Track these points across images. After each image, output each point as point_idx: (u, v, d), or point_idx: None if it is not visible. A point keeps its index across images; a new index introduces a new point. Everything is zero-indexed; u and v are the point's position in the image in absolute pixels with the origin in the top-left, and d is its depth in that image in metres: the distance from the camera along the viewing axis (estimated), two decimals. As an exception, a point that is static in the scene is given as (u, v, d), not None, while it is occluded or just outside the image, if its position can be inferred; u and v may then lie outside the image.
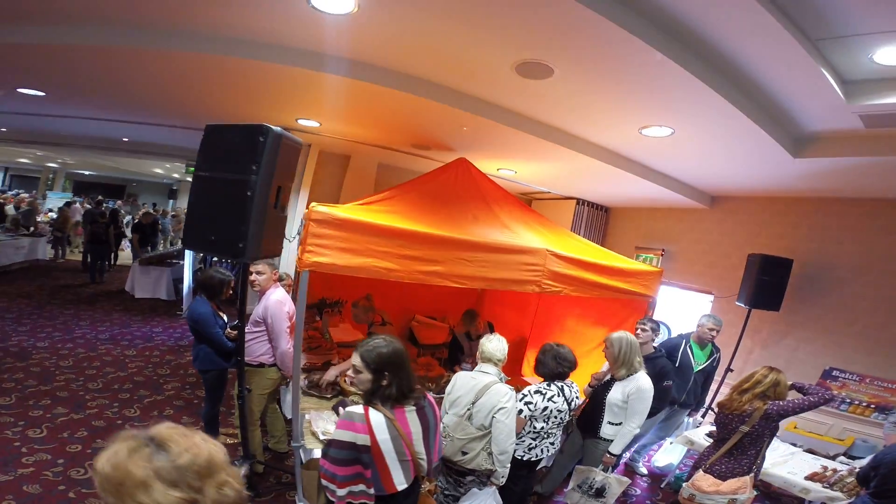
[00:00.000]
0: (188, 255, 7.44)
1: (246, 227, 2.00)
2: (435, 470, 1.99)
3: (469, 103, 3.02)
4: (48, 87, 3.96)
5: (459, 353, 4.53)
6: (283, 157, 2.07)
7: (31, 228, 9.01)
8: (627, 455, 4.14)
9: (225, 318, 3.35)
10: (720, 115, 2.70)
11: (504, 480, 2.27)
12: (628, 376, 2.69)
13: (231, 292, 3.38)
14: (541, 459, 2.62)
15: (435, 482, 2.12)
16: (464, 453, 2.24)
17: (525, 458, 2.53)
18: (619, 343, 2.72)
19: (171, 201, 19.46)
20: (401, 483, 1.65)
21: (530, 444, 2.53)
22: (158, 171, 11.94)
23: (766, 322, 4.77)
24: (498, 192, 4.06)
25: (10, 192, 12.15)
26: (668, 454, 4.11)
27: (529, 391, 2.52)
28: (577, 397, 2.64)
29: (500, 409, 2.18)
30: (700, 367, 3.67)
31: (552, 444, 2.62)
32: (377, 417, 1.61)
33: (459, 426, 2.27)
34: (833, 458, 3.54)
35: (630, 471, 3.95)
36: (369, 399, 1.64)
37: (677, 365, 3.57)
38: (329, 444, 1.61)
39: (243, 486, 0.92)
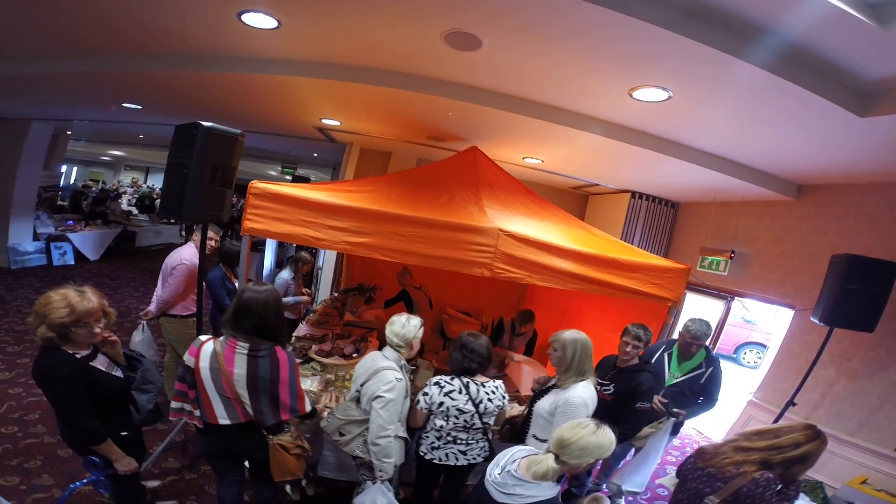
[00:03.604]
0: (269, 242, 8.75)
1: (183, 195, 2.49)
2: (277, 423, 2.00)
3: (413, 82, 3.07)
4: (143, 102, 5.15)
5: (498, 339, 4.55)
6: (214, 144, 2.51)
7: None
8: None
9: (236, 283, 3.95)
10: (719, 66, 2.27)
11: (385, 476, 2.09)
12: (573, 385, 2.28)
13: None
14: (460, 467, 2.32)
15: (297, 438, 2.15)
16: (341, 434, 2.20)
17: (427, 458, 2.30)
18: (574, 346, 2.29)
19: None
20: (223, 418, 1.85)
21: (433, 442, 2.29)
22: (272, 172, 14.11)
23: (860, 347, 3.74)
24: (500, 178, 3.97)
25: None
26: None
27: (430, 381, 2.27)
28: (489, 399, 2.25)
29: (377, 397, 2.06)
30: (675, 381, 3.00)
31: (462, 452, 2.29)
32: (208, 347, 1.88)
33: (343, 406, 2.27)
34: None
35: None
36: (219, 331, 1.92)
37: None
38: None
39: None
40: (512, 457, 1.70)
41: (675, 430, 3.17)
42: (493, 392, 2.29)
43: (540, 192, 6.41)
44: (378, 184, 3.46)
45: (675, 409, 2.80)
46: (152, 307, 3.58)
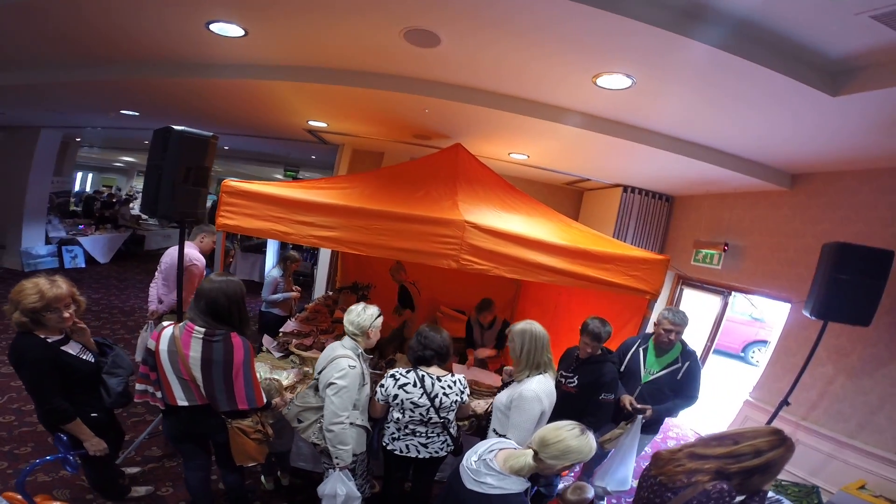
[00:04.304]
0: (271, 243, 8.97)
1: (158, 194, 2.65)
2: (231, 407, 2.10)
3: (379, 81, 3.18)
4: (139, 108, 5.38)
5: (471, 338, 4.60)
6: (187, 146, 2.66)
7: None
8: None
9: None
10: (677, 48, 2.27)
11: (342, 463, 2.14)
12: (528, 378, 2.25)
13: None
14: (425, 460, 2.34)
15: (258, 423, 2.23)
16: (299, 421, 2.30)
17: (388, 448, 2.35)
18: (522, 337, 2.28)
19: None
20: (181, 399, 1.96)
21: (394, 433, 2.33)
22: (278, 175, 14.40)
23: (858, 342, 3.64)
24: (480, 174, 4.01)
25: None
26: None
27: (387, 373, 2.33)
28: (445, 394, 2.28)
29: (330, 384, 2.12)
30: (652, 377, 2.92)
31: (423, 445, 2.32)
32: (168, 331, 2.00)
33: (301, 393, 2.34)
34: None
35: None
36: (187, 317, 2.05)
37: (622, 370, 2.96)
38: None
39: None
40: (491, 447, 1.74)
41: (655, 429, 3.11)
42: (450, 387, 2.31)
43: (534, 189, 6.51)
44: (355, 181, 3.55)
45: (639, 406, 2.77)
46: (161, 307, 3.75)
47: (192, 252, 3.69)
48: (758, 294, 4.70)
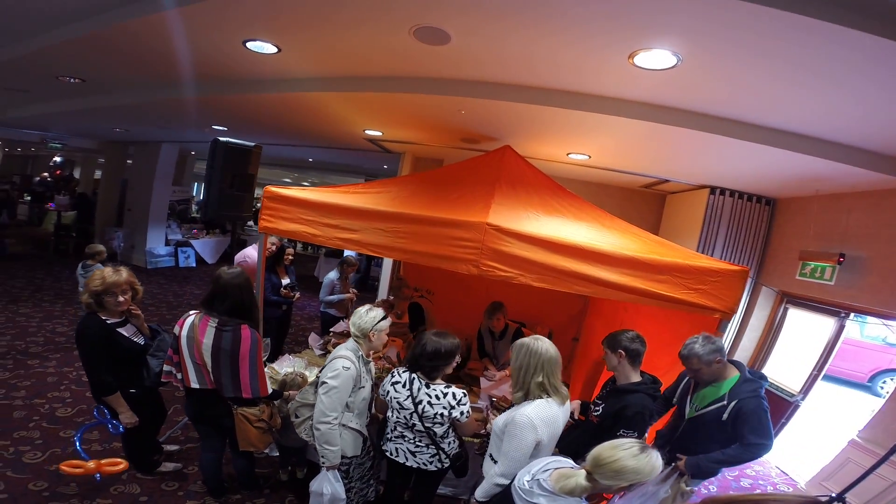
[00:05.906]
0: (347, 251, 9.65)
1: (208, 198, 3.01)
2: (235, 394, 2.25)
3: (402, 84, 3.25)
4: (227, 123, 6.11)
5: (482, 349, 4.45)
6: (231, 156, 3.05)
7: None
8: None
9: (283, 280, 4.50)
10: (730, 15, 1.89)
11: (328, 462, 2.17)
12: (524, 401, 2.04)
13: (291, 258, 4.69)
14: (420, 471, 2.29)
15: (262, 412, 2.35)
16: (296, 416, 2.39)
17: (382, 447, 2.35)
18: (518, 352, 2.07)
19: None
20: (195, 382, 2.20)
21: (388, 433, 2.32)
22: (362, 185, 15.29)
23: None
24: (526, 176, 3.84)
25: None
26: None
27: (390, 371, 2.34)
28: (429, 403, 2.20)
29: (322, 383, 2.18)
30: (697, 414, 2.40)
31: (411, 452, 2.27)
32: (190, 319, 2.26)
33: (304, 389, 2.43)
34: None
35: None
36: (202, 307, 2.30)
37: (675, 402, 2.56)
38: None
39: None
40: (545, 466, 1.69)
41: (701, 475, 2.51)
42: (438, 398, 2.21)
43: (606, 194, 6.09)
44: (390, 185, 3.63)
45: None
46: None
47: (248, 250, 4.10)
48: (883, 317, 3.80)
